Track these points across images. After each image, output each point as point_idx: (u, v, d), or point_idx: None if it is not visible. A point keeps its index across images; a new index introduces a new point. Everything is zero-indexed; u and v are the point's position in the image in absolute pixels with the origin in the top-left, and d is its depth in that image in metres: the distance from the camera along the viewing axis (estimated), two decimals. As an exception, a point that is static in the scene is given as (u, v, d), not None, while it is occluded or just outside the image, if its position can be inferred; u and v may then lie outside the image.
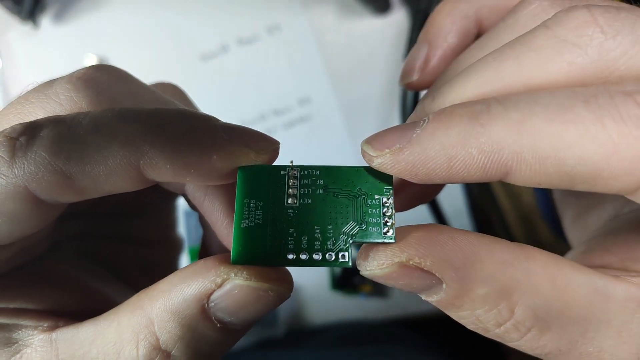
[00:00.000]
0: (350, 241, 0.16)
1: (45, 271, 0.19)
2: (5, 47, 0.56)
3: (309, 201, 0.16)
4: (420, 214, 0.46)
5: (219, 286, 0.15)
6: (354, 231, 0.16)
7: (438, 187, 0.23)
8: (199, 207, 0.20)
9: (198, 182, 0.18)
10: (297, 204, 0.16)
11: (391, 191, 0.16)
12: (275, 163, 0.17)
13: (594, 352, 0.15)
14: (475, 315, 0.15)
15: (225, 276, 0.15)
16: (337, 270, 0.49)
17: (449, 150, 0.14)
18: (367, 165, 0.16)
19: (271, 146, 0.17)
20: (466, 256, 0.14)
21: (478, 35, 0.22)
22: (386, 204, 0.16)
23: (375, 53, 0.53)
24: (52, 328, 0.17)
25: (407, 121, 0.17)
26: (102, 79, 0.18)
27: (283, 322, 0.50)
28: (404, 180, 0.15)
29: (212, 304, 0.16)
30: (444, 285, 0.14)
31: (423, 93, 0.22)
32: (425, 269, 0.14)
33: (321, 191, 0.16)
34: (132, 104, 0.18)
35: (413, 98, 0.48)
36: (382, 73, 0.53)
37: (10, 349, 0.17)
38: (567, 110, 0.13)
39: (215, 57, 0.55)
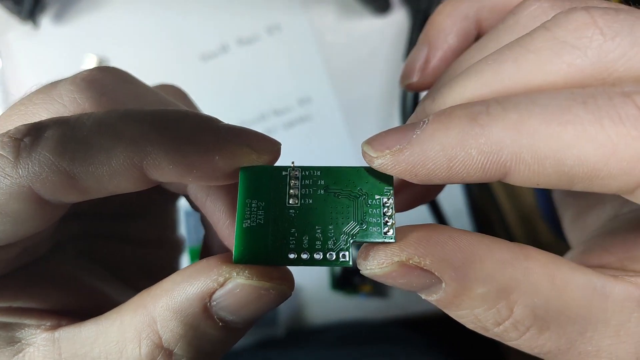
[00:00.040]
0: (351, 241, 0.16)
1: (47, 271, 0.19)
2: (5, 47, 0.56)
3: (310, 201, 0.16)
4: (420, 214, 0.46)
5: (221, 285, 0.16)
6: (355, 231, 0.16)
7: (438, 188, 0.23)
8: (201, 208, 0.20)
9: (200, 183, 0.18)
10: (299, 204, 0.16)
11: (391, 191, 0.16)
12: (277, 164, 0.17)
13: (593, 351, 0.15)
14: (475, 315, 0.15)
15: (228, 275, 0.16)
16: (337, 270, 0.50)
17: (449, 151, 0.14)
18: (368, 165, 0.16)
19: (273, 147, 0.17)
20: (465, 256, 0.14)
21: (478, 36, 0.22)
22: (386, 204, 0.16)
23: (375, 53, 0.53)
24: (55, 327, 0.17)
25: (408, 122, 0.17)
26: (105, 80, 0.18)
27: (283, 322, 0.50)
28: (404, 180, 0.15)
29: (214, 302, 0.16)
30: (444, 285, 0.14)
31: (423, 94, 0.22)
32: (424, 268, 0.14)
33: (322, 191, 0.16)
34: (135, 105, 0.18)
35: (413, 98, 0.48)
36: (382, 73, 0.53)
37: (13, 347, 0.17)
38: (566, 111, 0.13)
39: (215, 57, 0.55)
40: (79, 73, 0.18)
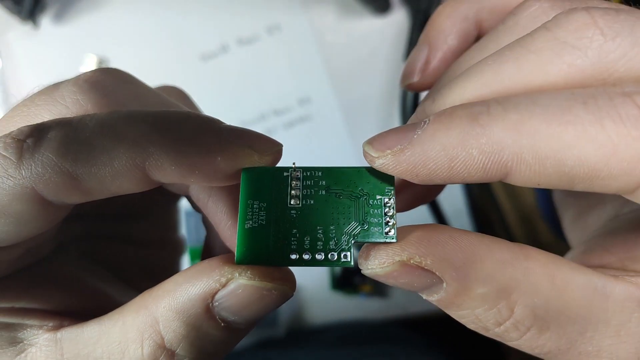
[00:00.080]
0: (352, 241, 0.16)
1: (50, 272, 0.19)
2: (5, 47, 0.56)
3: (312, 202, 0.16)
4: (421, 214, 0.47)
5: (223, 286, 0.16)
6: (356, 231, 0.16)
7: (439, 188, 0.23)
8: (203, 209, 0.20)
9: (202, 184, 0.18)
10: (300, 205, 0.16)
11: (393, 191, 0.16)
12: (278, 164, 0.17)
13: (593, 352, 0.15)
14: (475, 315, 0.15)
15: (230, 276, 0.16)
16: (337, 270, 0.50)
17: (450, 151, 0.14)
18: (369, 166, 0.16)
19: (274, 148, 0.17)
20: (466, 255, 0.14)
21: (478, 37, 0.22)
22: (388, 204, 0.16)
23: (375, 53, 0.53)
24: (57, 327, 0.17)
25: (408, 122, 0.17)
26: (108, 81, 0.18)
27: (283, 322, 0.50)
28: (405, 180, 0.15)
29: (217, 303, 0.16)
30: (444, 284, 0.14)
31: (424, 94, 0.22)
32: (425, 267, 0.14)
33: (323, 192, 0.16)
34: (137, 106, 0.18)
35: (413, 98, 0.48)
36: (382, 73, 0.53)
37: (15, 348, 0.17)
38: (566, 111, 0.13)
39: (215, 57, 0.55)
40: (81, 74, 0.18)
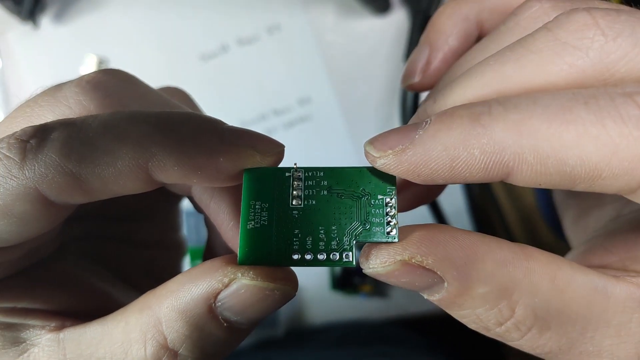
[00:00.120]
0: (354, 241, 0.16)
1: (52, 272, 0.19)
2: (5, 47, 0.56)
3: (314, 202, 0.16)
4: (421, 214, 0.47)
5: (226, 286, 0.16)
6: (358, 231, 0.16)
7: (440, 188, 0.23)
8: (205, 209, 0.20)
9: (205, 184, 0.18)
10: (302, 205, 0.16)
11: (394, 191, 0.16)
12: (279, 165, 0.17)
13: (594, 351, 0.15)
14: (476, 314, 0.15)
15: (232, 276, 0.16)
16: (337, 270, 0.50)
17: (451, 151, 0.14)
18: (370, 165, 0.16)
19: (276, 149, 0.17)
20: (467, 255, 0.14)
21: (479, 37, 0.22)
22: (389, 204, 0.16)
23: (375, 53, 0.53)
24: (59, 328, 0.17)
25: (409, 123, 0.17)
26: (110, 82, 0.18)
27: (283, 323, 0.50)
28: (407, 180, 0.15)
29: (219, 303, 0.16)
30: (446, 284, 0.14)
31: (424, 95, 0.22)
32: (427, 267, 0.14)
33: (325, 192, 0.17)
34: (139, 107, 0.18)
35: (413, 98, 0.48)
36: (382, 73, 0.53)
37: (17, 348, 0.17)
38: (567, 111, 0.13)
39: (215, 57, 0.55)
40: (84, 75, 0.18)
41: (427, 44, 0.22)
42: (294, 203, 0.16)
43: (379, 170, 0.16)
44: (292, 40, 0.54)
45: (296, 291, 0.16)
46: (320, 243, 0.16)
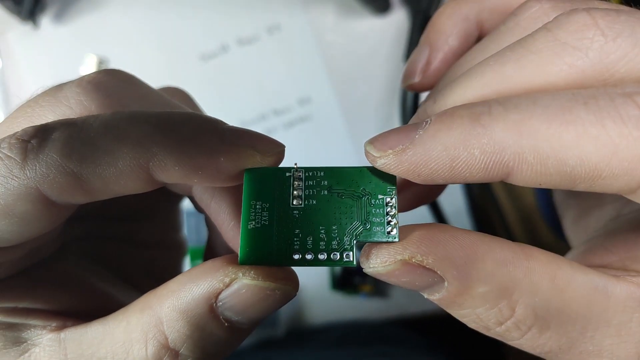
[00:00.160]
0: (355, 241, 0.16)
1: (53, 272, 0.19)
2: (5, 47, 0.56)
3: (314, 202, 0.16)
4: (421, 214, 0.47)
5: (227, 286, 0.16)
6: (358, 231, 0.16)
7: (440, 188, 0.23)
8: (206, 209, 0.20)
9: (205, 184, 0.18)
10: (302, 205, 0.16)
11: (394, 191, 0.16)
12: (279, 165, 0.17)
13: (594, 351, 0.15)
14: (476, 314, 0.15)
15: (234, 276, 0.16)
16: (337, 270, 0.50)
17: (452, 151, 0.14)
18: (371, 165, 0.16)
19: (277, 149, 0.17)
20: (467, 255, 0.14)
21: (479, 37, 0.22)
22: (389, 204, 0.16)
23: (375, 53, 0.53)
24: (61, 328, 0.17)
25: (409, 123, 0.17)
26: (111, 82, 0.18)
27: (283, 323, 0.50)
28: (407, 180, 0.15)
29: (221, 303, 0.16)
30: (446, 283, 0.14)
31: (424, 95, 0.22)
32: (427, 266, 0.14)
33: (326, 192, 0.17)
34: (140, 107, 0.18)
35: (413, 98, 0.48)
36: (382, 73, 0.53)
37: (19, 348, 0.17)
38: (567, 111, 0.13)
39: (215, 57, 0.55)
40: (84, 75, 0.18)
41: (427, 44, 0.22)
42: (294, 203, 0.16)
43: (379, 170, 0.16)
44: (292, 40, 0.54)
45: (297, 291, 0.16)
46: (321, 243, 0.16)
